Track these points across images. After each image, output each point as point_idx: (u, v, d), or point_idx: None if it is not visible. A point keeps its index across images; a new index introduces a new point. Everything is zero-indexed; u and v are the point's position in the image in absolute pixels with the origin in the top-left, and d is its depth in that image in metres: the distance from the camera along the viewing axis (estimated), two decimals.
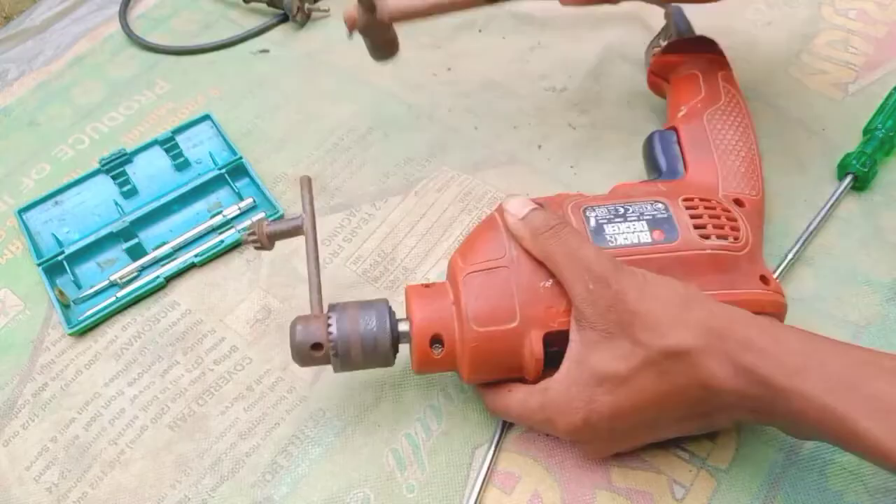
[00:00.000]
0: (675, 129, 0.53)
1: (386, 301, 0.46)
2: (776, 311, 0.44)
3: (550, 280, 0.42)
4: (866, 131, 0.59)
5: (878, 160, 0.57)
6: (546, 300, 0.42)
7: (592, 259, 0.41)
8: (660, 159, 0.52)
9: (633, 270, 0.41)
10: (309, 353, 0.44)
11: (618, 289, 0.40)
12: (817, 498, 0.44)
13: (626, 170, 0.60)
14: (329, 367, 0.52)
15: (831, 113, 0.62)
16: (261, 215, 0.60)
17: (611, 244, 0.44)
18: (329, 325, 0.44)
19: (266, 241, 0.49)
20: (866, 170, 0.56)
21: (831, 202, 0.56)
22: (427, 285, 0.46)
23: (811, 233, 0.54)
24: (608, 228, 0.44)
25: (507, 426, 0.48)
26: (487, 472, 0.46)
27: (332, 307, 0.45)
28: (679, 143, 0.52)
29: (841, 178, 0.57)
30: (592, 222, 0.45)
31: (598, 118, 0.65)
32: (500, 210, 0.45)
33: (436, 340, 0.44)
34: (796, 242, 0.54)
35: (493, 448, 0.47)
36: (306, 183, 0.49)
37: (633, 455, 0.46)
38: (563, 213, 0.45)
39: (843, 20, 0.69)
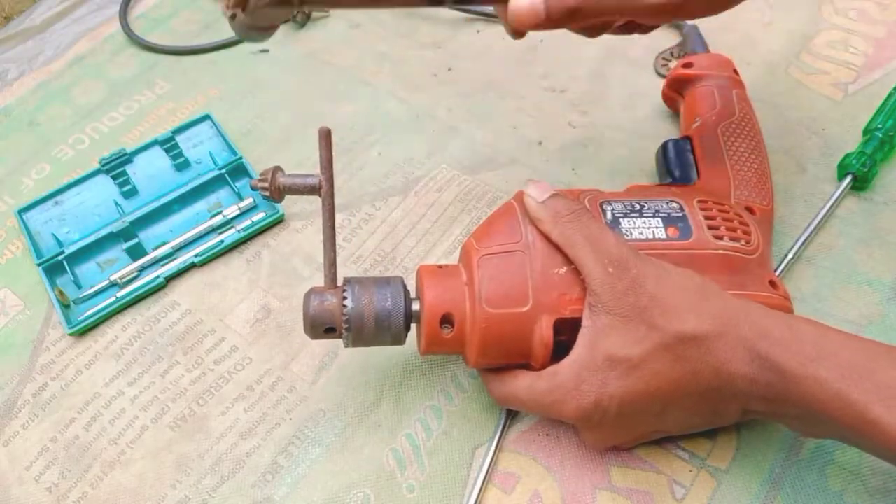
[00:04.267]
0: (689, 138, 0.54)
1: (401, 279, 0.46)
2: None
3: (565, 268, 0.43)
4: (866, 131, 0.59)
5: (878, 160, 0.57)
6: (559, 287, 0.42)
7: (612, 243, 0.41)
8: (673, 166, 0.53)
9: (651, 259, 0.42)
10: (322, 325, 0.44)
11: (637, 273, 0.40)
12: (817, 498, 0.44)
13: (626, 170, 0.60)
14: (329, 369, 0.52)
15: (831, 113, 0.62)
16: (261, 215, 0.60)
17: (627, 237, 0.44)
18: (344, 299, 0.44)
19: (276, 193, 0.46)
20: (866, 170, 0.56)
21: (831, 202, 0.56)
22: (440, 266, 0.46)
23: (811, 232, 0.55)
24: (624, 222, 0.45)
25: (507, 426, 0.48)
26: (487, 471, 0.46)
27: (347, 281, 0.45)
28: (693, 151, 0.53)
29: (841, 178, 0.57)
30: (609, 215, 0.45)
31: (599, 118, 0.65)
32: (519, 197, 0.46)
33: (446, 320, 0.44)
34: (796, 242, 0.54)
35: (493, 448, 0.47)
36: (324, 137, 0.45)
37: (633, 455, 0.46)
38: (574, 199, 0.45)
39: (843, 20, 0.69)
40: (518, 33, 0.43)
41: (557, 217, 0.42)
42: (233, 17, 0.40)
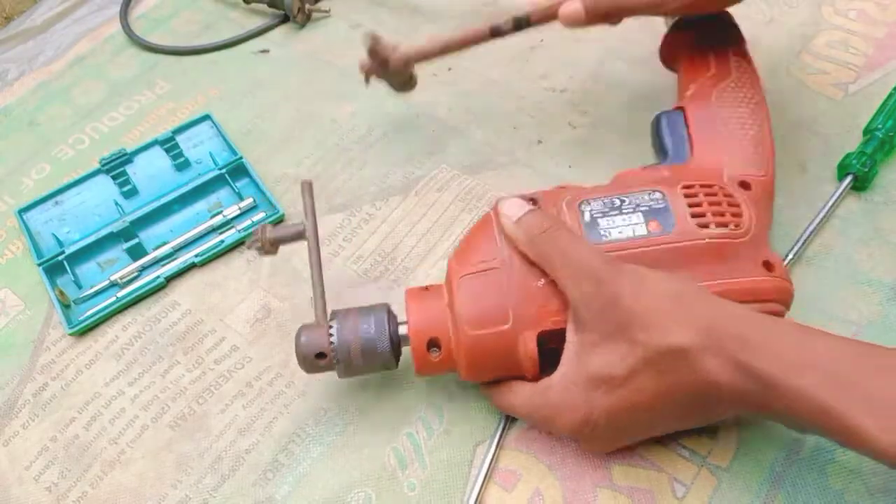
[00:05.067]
0: (682, 109, 0.52)
1: (386, 306, 0.46)
2: (781, 298, 0.43)
3: (543, 280, 0.42)
4: (866, 131, 0.59)
5: (878, 160, 0.57)
6: (539, 300, 0.42)
7: (585, 259, 0.41)
8: (666, 141, 0.51)
9: (626, 268, 0.40)
10: (314, 361, 0.45)
11: (612, 290, 0.39)
12: (818, 497, 0.44)
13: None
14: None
15: (831, 113, 0.63)
16: (261, 215, 0.60)
17: (605, 238, 0.43)
18: (330, 335, 0.45)
19: (269, 246, 0.49)
20: (866, 170, 0.56)
21: (831, 202, 0.56)
22: (426, 288, 0.46)
23: (811, 233, 0.55)
24: (602, 222, 0.44)
25: (508, 424, 0.48)
26: (489, 469, 0.46)
27: (334, 314, 0.46)
28: (686, 123, 0.51)
29: (841, 178, 0.57)
30: (587, 216, 0.44)
31: (598, 118, 0.65)
32: (495, 210, 0.45)
33: (433, 343, 0.44)
34: (796, 242, 0.54)
35: (494, 446, 0.47)
36: (307, 188, 0.49)
37: (634, 453, 0.46)
38: (558, 209, 0.45)
39: (843, 20, 0.69)
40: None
41: (531, 236, 0.42)
42: None
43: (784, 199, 0.57)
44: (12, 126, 0.71)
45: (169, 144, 0.64)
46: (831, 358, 0.36)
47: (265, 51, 0.75)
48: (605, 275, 0.40)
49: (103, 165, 0.63)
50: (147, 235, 0.60)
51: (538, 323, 0.42)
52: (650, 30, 0.70)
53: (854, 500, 0.44)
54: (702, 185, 0.45)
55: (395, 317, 0.46)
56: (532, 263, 0.43)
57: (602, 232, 0.44)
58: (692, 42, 0.55)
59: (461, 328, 0.43)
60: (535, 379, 0.43)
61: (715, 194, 0.45)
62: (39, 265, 0.58)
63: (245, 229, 0.59)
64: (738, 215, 0.44)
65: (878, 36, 0.68)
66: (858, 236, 0.55)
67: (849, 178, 0.56)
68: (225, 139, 0.65)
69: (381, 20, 0.76)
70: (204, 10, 0.79)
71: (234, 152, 0.64)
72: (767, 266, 0.44)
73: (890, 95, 0.60)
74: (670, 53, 0.58)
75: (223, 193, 0.63)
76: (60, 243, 0.60)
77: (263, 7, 0.77)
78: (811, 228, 0.55)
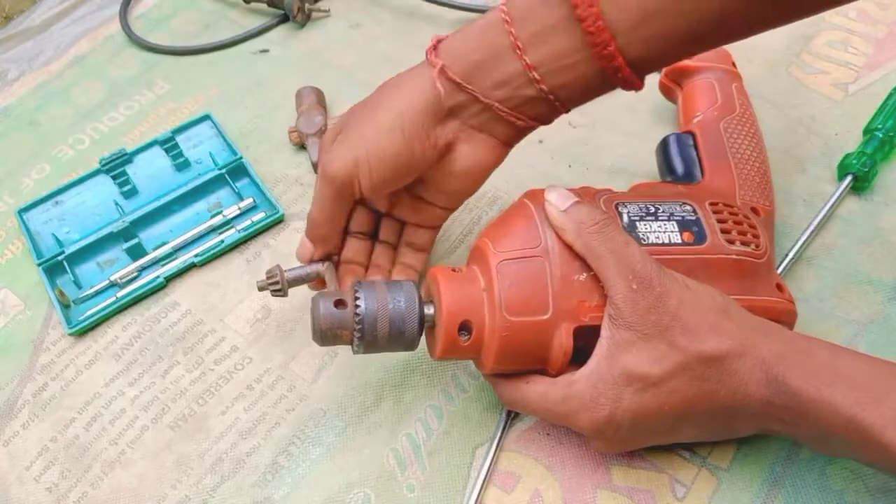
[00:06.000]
0: (691, 133, 0.53)
1: (413, 281, 0.45)
2: (789, 320, 0.45)
3: (584, 274, 0.42)
4: (866, 131, 0.59)
5: (878, 160, 0.57)
6: (579, 294, 0.42)
7: (637, 259, 0.40)
8: (676, 162, 0.52)
9: (674, 275, 0.41)
10: (336, 333, 0.43)
11: (661, 291, 0.40)
12: (818, 497, 0.44)
13: (626, 170, 0.60)
14: (330, 368, 0.52)
15: (831, 113, 0.63)
16: (261, 215, 0.60)
17: (643, 241, 0.44)
18: (357, 307, 0.43)
19: (287, 287, 0.49)
20: (866, 170, 0.56)
21: (831, 202, 0.56)
22: (455, 269, 0.45)
23: (812, 233, 0.55)
24: (640, 226, 0.44)
25: (507, 426, 0.48)
26: (488, 471, 0.46)
27: (357, 285, 0.44)
28: (696, 147, 0.52)
29: (841, 178, 0.57)
30: (625, 218, 0.44)
31: (599, 118, 0.65)
32: (531, 197, 0.44)
33: (464, 327, 0.42)
34: (797, 242, 0.54)
35: (493, 447, 0.47)
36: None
37: (635, 454, 0.46)
38: (596, 206, 0.44)
39: (844, 20, 0.69)
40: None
41: (581, 227, 0.41)
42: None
43: (784, 199, 0.57)
44: (12, 126, 0.71)
45: (169, 144, 0.64)
46: (862, 375, 0.38)
47: (265, 50, 0.75)
48: (654, 277, 0.40)
49: (103, 165, 0.63)
50: (147, 235, 0.60)
51: (576, 317, 0.42)
52: None
53: (854, 500, 0.44)
54: (724, 204, 0.47)
55: (420, 294, 0.44)
56: (574, 256, 0.42)
57: (640, 235, 0.44)
58: (697, 74, 0.57)
59: (499, 313, 0.41)
60: (557, 375, 0.43)
61: (736, 214, 0.47)
62: (39, 265, 0.58)
63: (245, 229, 0.59)
64: (756, 237, 0.46)
65: (878, 36, 0.67)
66: (859, 236, 0.55)
67: (849, 178, 0.56)
68: (225, 139, 0.65)
69: (381, 19, 0.76)
70: (203, 10, 0.79)
71: (233, 152, 0.64)
72: (779, 288, 0.46)
73: (890, 95, 0.60)
74: (672, 82, 0.59)
75: (223, 193, 0.62)
76: (60, 243, 0.60)
77: (263, 7, 0.77)
78: (811, 228, 0.55)
